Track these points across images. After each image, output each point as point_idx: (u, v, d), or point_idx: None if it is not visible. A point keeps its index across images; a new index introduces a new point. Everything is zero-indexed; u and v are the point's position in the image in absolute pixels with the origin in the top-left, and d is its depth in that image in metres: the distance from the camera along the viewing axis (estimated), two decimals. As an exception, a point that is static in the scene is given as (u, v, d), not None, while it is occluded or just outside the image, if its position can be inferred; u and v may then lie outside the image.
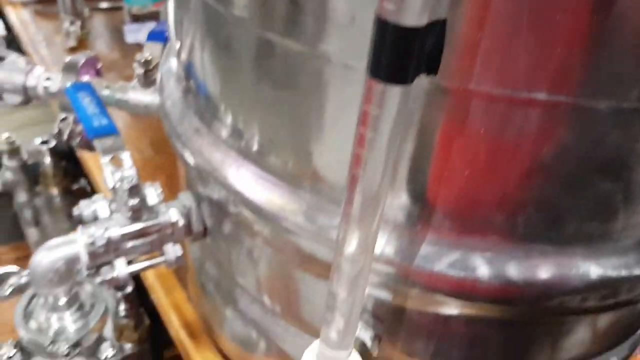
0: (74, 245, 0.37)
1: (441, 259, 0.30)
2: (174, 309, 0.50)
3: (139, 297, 0.71)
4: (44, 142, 0.86)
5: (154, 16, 0.89)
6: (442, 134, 0.27)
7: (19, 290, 0.42)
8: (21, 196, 0.92)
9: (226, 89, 0.34)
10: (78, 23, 0.85)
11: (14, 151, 0.86)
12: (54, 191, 0.93)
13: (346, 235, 0.26)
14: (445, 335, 0.35)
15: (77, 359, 0.40)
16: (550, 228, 0.30)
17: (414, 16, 0.18)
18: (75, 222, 0.40)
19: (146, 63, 0.51)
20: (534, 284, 0.30)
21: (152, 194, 0.39)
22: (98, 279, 0.39)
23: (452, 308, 0.32)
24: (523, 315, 0.33)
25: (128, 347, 0.51)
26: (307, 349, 0.32)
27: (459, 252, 0.30)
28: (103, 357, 0.41)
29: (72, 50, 0.84)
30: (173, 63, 0.41)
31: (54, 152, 0.87)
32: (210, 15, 0.32)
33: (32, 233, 0.92)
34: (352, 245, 0.27)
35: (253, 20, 0.29)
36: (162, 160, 0.65)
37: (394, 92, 0.19)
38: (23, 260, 1.00)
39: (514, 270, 0.30)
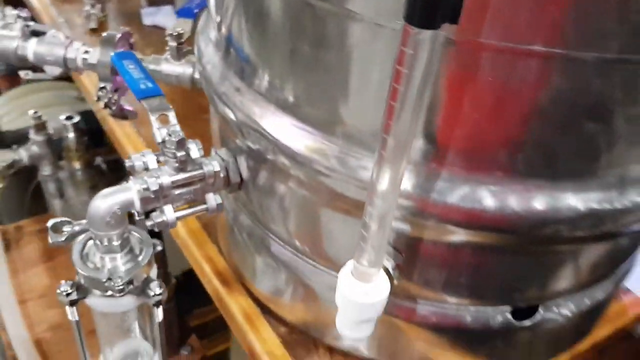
0: (128, 192, 0.42)
1: (453, 192, 0.35)
2: (206, 261, 0.56)
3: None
4: (68, 118, 0.91)
5: (170, 0, 0.94)
6: (454, 82, 0.32)
7: (72, 237, 0.47)
8: (46, 169, 0.98)
9: (264, 50, 0.39)
10: (98, 6, 0.90)
11: (40, 126, 0.91)
12: (77, 165, 0.98)
13: (379, 175, 0.32)
14: (454, 264, 0.40)
15: (129, 296, 0.46)
16: (545, 165, 0.35)
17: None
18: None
19: (178, 36, 0.56)
20: (531, 214, 0.36)
21: (194, 148, 0.45)
22: (149, 223, 0.44)
23: (461, 236, 0.38)
24: (522, 244, 0.39)
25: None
26: (341, 272, 0.37)
27: (468, 186, 0.35)
28: (152, 294, 0.46)
29: (93, 32, 0.89)
30: (211, 33, 0.46)
31: (77, 127, 0.92)
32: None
33: (56, 204, 0.97)
34: (384, 183, 0.32)
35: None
36: (186, 131, 0.70)
37: (425, 36, 0.24)
38: (45, 231, 1.06)
39: (514, 202, 0.35)
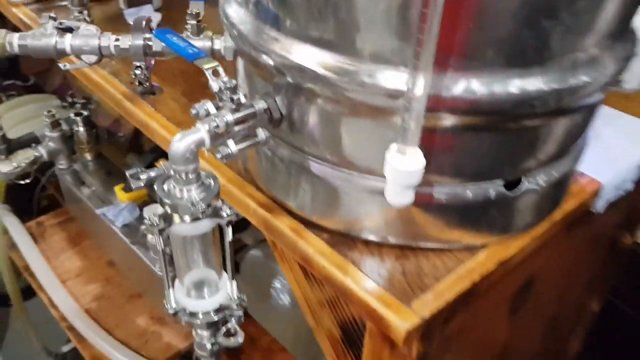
0: (199, 132, 0.53)
1: (456, 87, 0.48)
2: (249, 197, 0.67)
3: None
4: (78, 115, 0.99)
5: (147, 0, 1.04)
6: (450, 5, 0.45)
7: (151, 181, 0.58)
8: (62, 164, 1.06)
9: (293, 3, 0.51)
10: (85, 12, 0.99)
11: (55, 123, 1.00)
12: (88, 156, 1.06)
13: (416, 81, 0.44)
14: (459, 147, 0.53)
15: (207, 219, 0.57)
16: (517, 57, 0.48)
17: None
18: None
19: (197, 15, 0.67)
20: (511, 96, 0.49)
21: (241, 95, 0.56)
22: (218, 155, 0.55)
23: (464, 122, 0.51)
24: (506, 121, 0.52)
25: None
26: (389, 152, 0.49)
27: (465, 81, 0.48)
28: (225, 215, 0.57)
29: (86, 35, 0.98)
30: (238, 0, 0.57)
31: (86, 122, 1.01)
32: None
33: (80, 191, 1.06)
34: (419, 88, 0.45)
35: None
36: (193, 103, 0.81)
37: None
38: (64, 223, 1.16)
39: (499, 88, 0.49)
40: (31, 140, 1.09)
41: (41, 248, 1.17)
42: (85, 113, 1.02)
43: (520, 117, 0.52)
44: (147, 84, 0.69)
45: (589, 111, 0.59)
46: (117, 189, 1.06)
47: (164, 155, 0.59)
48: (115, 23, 1.03)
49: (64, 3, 1.04)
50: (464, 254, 0.61)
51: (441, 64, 0.47)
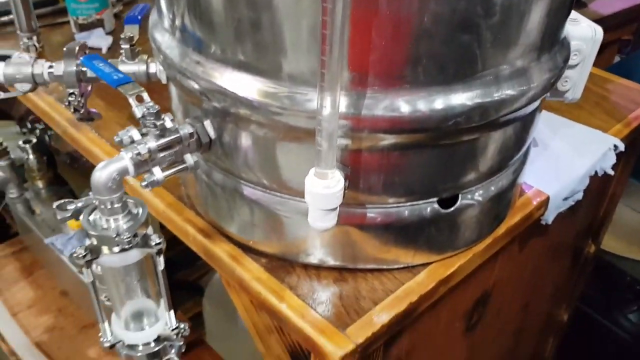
0: (122, 160, 0.52)
1: (378, 106, 0.47)
2: (187, 223, 0.66)
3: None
4: (27, 142, 0.98)
5: (99, 24, 1.03)
6: (362, 20, 0.44)
7: (77, 212, 0.56)
8: (12, 192, 1.04)
9: (216, 26, 0.49)
10: (35, 37, 0.97)
11: (3, 152, 0.98)
12: (40, 184, 1.05)
13: (322, 102, 0.43)
14: (388, 166, 0.52)
15: (135, 249, 0.55)
16: (439, 74, 0.47)
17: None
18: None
19: (130, 39, 0.65)
20: (435, 113, 0.48)
21: (168, 120, 0.55)
22: (143, 184, 0.54)
23: (389, 141, 0.50)
24: (433, 139, 0.51)
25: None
26: (307, 177, 0.48)
27: (387, 100, 0.47)
28: (154, 244, 0.55)
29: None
30: (165, 26, 0.56)
31: (35, 149, 0.99)
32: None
33: (30, 221, 1.04)
34: (327, 108, 0.44)
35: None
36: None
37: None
38: (18, 252, 1.14)
39: (422, 106, 0.48)
40: (-18, 169, 1.07)
41: (-6, 278, 1.13)
42: (34, 140, 1.01)
43: (448, 134, 0.51)
44: (83, 110, 0.67)
45: (524, 124, 0.58)
46: (67, 217, 1.03)
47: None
48: (65, 47, 1.01)
49: (9, 29, 1.03)
50: (404, 274, 0.60)
51: (358, 84, 0.47)
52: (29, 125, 1.25)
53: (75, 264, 0.55)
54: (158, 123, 0.53)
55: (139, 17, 0.68)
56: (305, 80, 0.48)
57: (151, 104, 0.54)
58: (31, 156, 1.03)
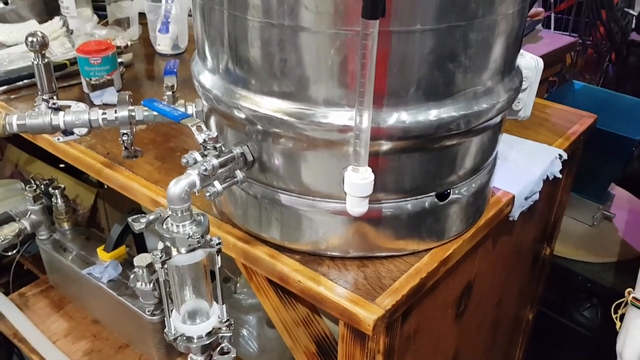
0: (191, 176, 0.66)
1: (390, 119, 0.63)
2: (227, 234, 0.79)
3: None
4: (56, 188, 1.08)
5: (109, 83, 1.16)
6: (382, 59, 0.61)
7: (149, 223, 0.69)
8: (43, 234, 1.13)
9: (260, 65, 0.65)
10: (55, 98, 1.10)
11: (37, 197, 1.08)
12: (66, 225, 1.15)
13: (361, 118, 0.59)
14: (398, 168, 0.68)
15: (200, 249, 0.68)
16: (434, 93, 0.64)
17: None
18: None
19: (172, 87, 0.80)
20: (431, 122, 0.64)
21: (221, 143, 0.69)
22: (207, 194, 0.67)
23: (399, 146, 0.66)
24: (431, 143, 0.67)
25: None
26: (346, 172, 0.63)
27: (396, 113, 0.64)
28: (215, 243, 0.68)
29: (56, 118, 1.09)
30: (208, 69, 0.71)
31: (62, 194, 1.10)
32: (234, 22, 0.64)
33: (63, 257, 1.13)
34: (365, 122, 0.59)
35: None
36: (169, 166, 0.93)
37: (374, 23, 0.52)
38: (45, 291, 1.24)
39: (421, 117, 0.64)
40: (8, 219, 1.17)
41: (27, 315, 1.21)
42: (62, 186, 1.12)
43: (441, 139, 0.67)
44: (132, 147, 0.80)
45: (494, 132, 0.75)
46: (99, 249, 1.16)
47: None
48: (81, 105, 1.14)
49: (30, 92, 1.15)
50: (412, 258, 0.75)
51: (378, 102, 0.63)
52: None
53: (136, 278, 0.67)
54: (217, 145, 0.67)
55: (174, 69, 0.83)
56: (335, 102, 0.63)
57: (209, 131, 0.68)
58: (59, 201, 1.14)
